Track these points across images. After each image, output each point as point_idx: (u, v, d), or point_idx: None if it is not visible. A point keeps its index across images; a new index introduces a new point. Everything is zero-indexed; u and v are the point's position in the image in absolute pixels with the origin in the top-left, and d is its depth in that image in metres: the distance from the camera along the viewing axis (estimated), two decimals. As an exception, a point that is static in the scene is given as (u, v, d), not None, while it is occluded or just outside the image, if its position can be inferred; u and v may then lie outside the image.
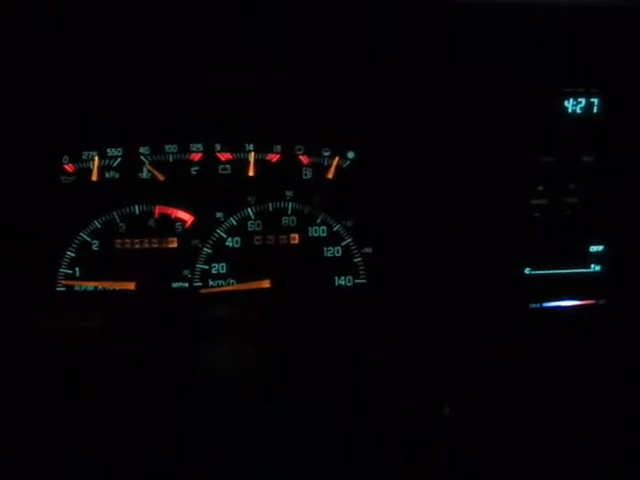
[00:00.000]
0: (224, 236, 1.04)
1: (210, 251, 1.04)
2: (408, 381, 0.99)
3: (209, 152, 1.03)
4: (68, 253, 1.01)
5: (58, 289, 1.01)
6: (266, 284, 1.03)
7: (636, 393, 0.99)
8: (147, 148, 1.02)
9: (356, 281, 1.07)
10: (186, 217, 1.03)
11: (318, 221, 1.06)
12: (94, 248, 1.01)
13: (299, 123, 1.04)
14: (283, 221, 1.05)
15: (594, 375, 1.00)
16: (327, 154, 1.05)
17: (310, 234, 1.05)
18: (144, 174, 1.02)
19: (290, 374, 0.98)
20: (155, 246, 1.03)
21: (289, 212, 1.05)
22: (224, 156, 1.04)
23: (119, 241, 1.02)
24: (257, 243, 1.04)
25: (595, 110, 1.04)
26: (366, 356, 1.00)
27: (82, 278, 1.02)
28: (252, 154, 1.04)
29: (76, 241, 1.01)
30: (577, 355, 1.01)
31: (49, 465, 0.86)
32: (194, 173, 1.03)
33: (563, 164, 1.05)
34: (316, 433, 0.92)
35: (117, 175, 1.02)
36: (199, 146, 1.03)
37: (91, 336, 0.99)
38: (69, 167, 1.01)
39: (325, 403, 0.94)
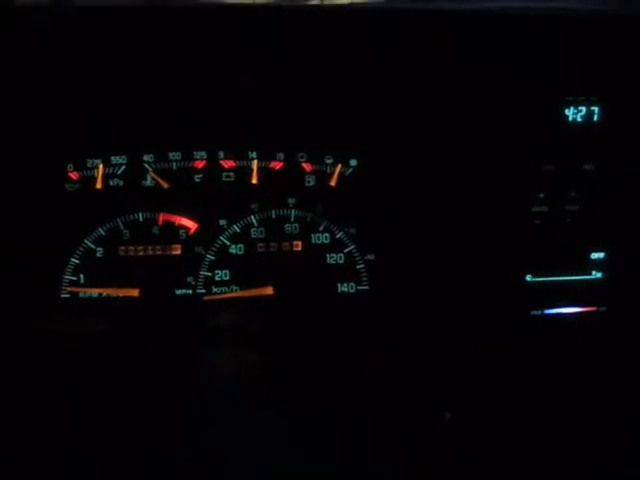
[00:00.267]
0: (227, 243, 1.04)
1: (213, 258, 1.04)
2: (410, 387, 1.00)
3: (213, 160, 1.04)
4: (72, 260, 1.02)
5: (62, 296, 1.02)
6: (269, 291, 1.04)
7: (636, 400, 1.00)
8: (151, 156, 1.02)
9: (359, 288, 1.07)
10: (190, 224, 1.04)
11: (321, 228, 1.06)
12: (98, 255, 1.02)
13: (302, 131, 1.05)
14: (286, 228, 1.05)
15: (595, 382, 1.01)
16: (330, 162, 1.06)
17: (313, 241, 1.06)
18: (148, 182, 1.03)
19: (293, 380, 0.99)
20: (159, 253, 1.03)
21: (292, 219, 1.05)
22: (227, 164, 1.04)
23: (123, 248, 1.02)
24: (260, 250, 1.05)
25: (595, 118, 1.04)
26: (368, 362, 1.01)
27: (86, 285, 1.02)
28: (255, 162, 1.04)
29: (80, 248, 1.01)
30: (578, 362, 1.02)
31: (49, 466, 0.87)
32: (198, 181, 1.03)
33: (564, 172, 1.05)
34: (319, 438, 0.92)
35: (121, 183, 1.02)
36: (203, 154, 1.03)
37: (95, 342, 0.99)
38: (73, 175, 1.02)
39: (328, 409, 0.95)
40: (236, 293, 1.04)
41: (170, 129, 1.02)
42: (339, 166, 1.06)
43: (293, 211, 1.05)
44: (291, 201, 1.05)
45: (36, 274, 1.00)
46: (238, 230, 1.04)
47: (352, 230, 1.06)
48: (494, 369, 1.01)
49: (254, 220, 1.05)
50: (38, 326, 0.98)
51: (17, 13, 0.87)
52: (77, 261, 1.02)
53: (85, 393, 0.94)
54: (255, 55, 0.95)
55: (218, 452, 0.91)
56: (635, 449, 0.93)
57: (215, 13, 0.89)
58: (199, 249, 1.04)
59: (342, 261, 1.07)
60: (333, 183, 1.06)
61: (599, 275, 1.09)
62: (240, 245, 1.05)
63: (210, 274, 1.04)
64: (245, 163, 1.04)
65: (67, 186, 1.01)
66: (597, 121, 1.04)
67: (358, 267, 1.07)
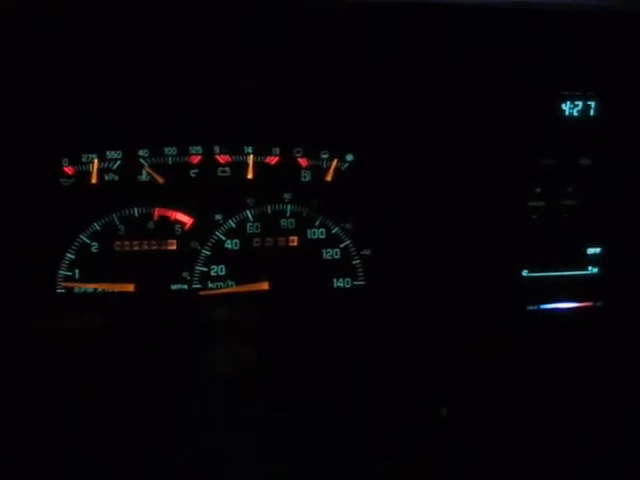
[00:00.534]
0: (223, 238, 1.04)
1: (209, 253, 1.04)
2: (406, 383, 1.00)
3: (208, 154, 1.04)
4: (68, 255, 1.01)
5: (58, 291, 1.02)
6: (265, 286, 1.04)
7: (633, 395, 0.99)
8: (146, 151, 1.02)
9: (354, 283, 1.07)
10: (185, 219, 1.03)
11: (317, 223, 1.06)
12: (93, 250, 1.02)
13: (298, 125, 1.05)
14: (282, 223, 1.05)
15: (592, 377, 1.01)
16: (325, 156, 1.06)
17: (309, 236, 1.06)
18: (143, 176, 1.03)
19: (289, 375, 0.99)
20: (154, 248, 1.03)
21: (288, 214, 1.05)
22: (223, 158, 1.04)
23: (118, 243, 1.02)
24: (256, 245, 1.05)
25: (592, 113, 1.04)
26: (364, 357, 1.01)
27: (82, 280, 1.02)
28: (251, 156, 1.04)
29: (76, 243, 1.01)
30: (574, 357, 1.02)
31: (49, 466, 0.87)
32: (193, 175, 1.03)
33: (561, 167, 1.05)
34: (315, 433, 0.92)
35: (116, 177, 1.02)
36: (198, 149, 1.03)
37: (90, 337, 0.99)
38: (69, 169, 1.01)
39: (323, 404, 0.94)
40: (232, 288, 1.04)
41: (165, 124, 1.02)
42: (335, 161, 1.05)
43: (289, 206, 1.05)
44: (287, 196, 1.05)
45: (31, 269, 1.00)
46: (234, 225, 1.04)
47: (348, 225, 1.06)
48: (490, 364, 1.01)
49: (250, 215, 1.05)
50: (33, 320, 0.97)
51: (15, 7, 0.87)
52: (72, 256, 1.02)
53: (82, 391, 0.94)
54: (254, 51, 0.95)
55: (214, 447, 0.91)
56: (631, 444, 0.93)
57: (212, 3, 0.89)
58: (195, 244, 1.04)
59: (338, 256, 1.07)
60: (329, 178, 1.06)
61: (595, 270, 1.08)
62: (236, 240, 1.04)
63: (206, 269, 1.04)
64: (241, 158, 1.04)
65: (62, 181, 1.01)
66: (594, 116, 1.04)
67: (354, 262, 1.07)
